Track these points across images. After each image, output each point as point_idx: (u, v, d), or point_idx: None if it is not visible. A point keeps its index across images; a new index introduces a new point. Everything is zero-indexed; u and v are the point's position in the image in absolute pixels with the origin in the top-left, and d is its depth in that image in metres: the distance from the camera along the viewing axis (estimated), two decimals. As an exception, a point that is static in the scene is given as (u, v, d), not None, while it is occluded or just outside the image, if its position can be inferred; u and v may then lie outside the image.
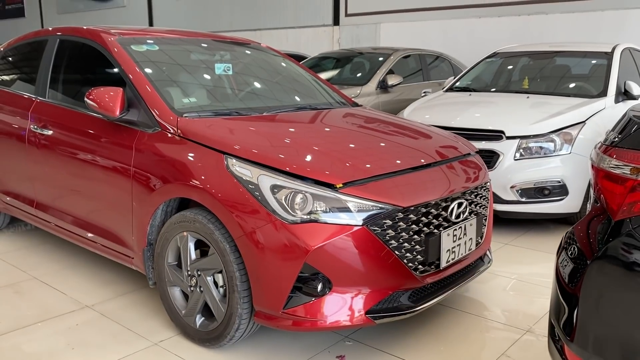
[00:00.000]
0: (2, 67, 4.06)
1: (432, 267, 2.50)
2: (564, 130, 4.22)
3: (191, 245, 2.57)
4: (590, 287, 1.58)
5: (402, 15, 10.43)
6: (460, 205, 2.62)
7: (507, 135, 4.21)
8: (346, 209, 2.26)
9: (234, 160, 2.41)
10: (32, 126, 3.41)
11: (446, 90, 5.75)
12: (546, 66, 5.70)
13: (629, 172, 1.54)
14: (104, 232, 3.03)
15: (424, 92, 7.05)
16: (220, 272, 2.45)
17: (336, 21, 11.41)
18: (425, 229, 2.45)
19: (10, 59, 4.06)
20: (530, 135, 4.19)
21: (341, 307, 2.28)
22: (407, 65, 7.32)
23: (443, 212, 2.54)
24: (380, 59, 6.97)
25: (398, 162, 2.57)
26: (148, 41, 3.29)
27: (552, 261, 3.65)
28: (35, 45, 3.79)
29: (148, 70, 2.98)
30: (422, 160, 2.66)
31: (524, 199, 4.19)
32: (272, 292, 2.28)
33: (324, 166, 2.39)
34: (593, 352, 1.56)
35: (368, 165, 2.46)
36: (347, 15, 11.24)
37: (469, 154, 3.01)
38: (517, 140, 4.19)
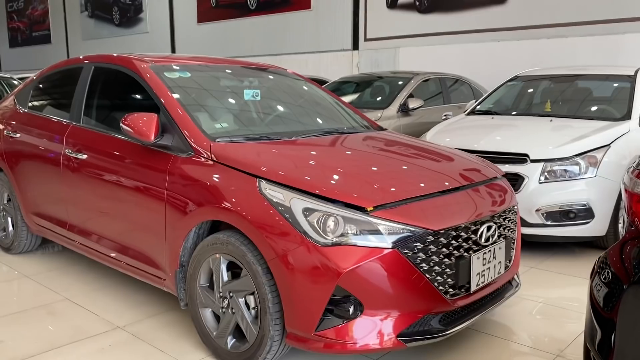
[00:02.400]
0: (37, 94, 4.20)
1: (463, 290, 2.51)
2: (588, 154, 4.22)
3: (223, 267, 2.62)
4: (628, 311, 1.59)
5: (421, 40, 10.54)
6: (489, 228, 2.64)
7: (531, 158, 4.22)
8: (377, 232, 2.29)
9: (266, 184, 2.46)
10: (66, 150, 3.52)
11: (468, 114, 5.78)
12: (568, 89, 5.72)
13: (664, 196, 1.57)
14: (136, 254, 3.09)
15: (445, 115, 7.09)
16: (253, 293, 2.49)
17: (355, 46, 11.56)
18: (455, 252, 2.47)
19: (45, 86, 4.20)
20: (554, 159, 4.20)
21: (372, 329, 2.30)
22: (428, 88, 7.39)
23: (472, 236, 2.56)
24: (401, 82, 7.04)
25: (426, 185, 2.61)
26: (180, 68, 3.39)
27: (579, 285, 3.64)
28: (69, 72, 3.93)
29: (181, 97, 3.07)
30: (450, 184, 2.70)
31: (549, 222, 4.18)
32: (304, 314, 2.31)
33: (355, 189, 2.44)
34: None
35: (397, 189, 2.50)
36: (366, 40, 11.39)
37: (495, 177, 3.04)
38: (541, 164, 4.20)
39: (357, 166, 2.78)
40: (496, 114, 5.55)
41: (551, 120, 4.90)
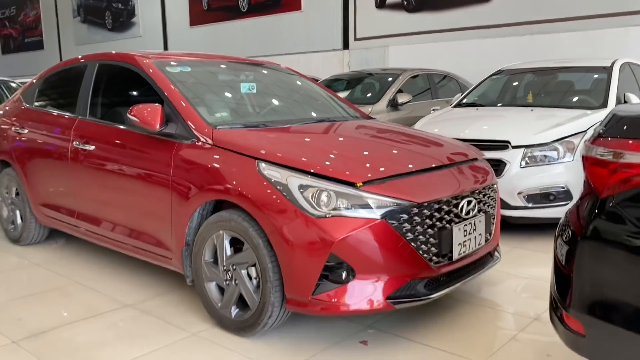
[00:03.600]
0: (43, 92, 4.42)
1: (446, 258, 2.75)
2: (566, 139, 4.48)
3: (227, 243, 2.84)
4: (582, 258, 1.83)
5: (410, 38, 10.81)
6: (469, 203, 2.89)
7: (513, 144, 4.48)
8: (366, 205, 2.53)
9: (265, 164, 2.70)
10: (74, 143, 3.74)
11: (454, 106, 6.04)
12: (550, 81, 5.99)
13: (612, 157, 1.81)
14: (143, 236, 3.31)
15: (433, 109, 7.35)
16: (254, 265, 2.72)
17: (346, 45, 11.82)
18: (438, 223, 2.71)
19: (50, 84, 4.41)
20: (534, 145, 4.46)
21: (364, 293, 2.54)
22: (416, 84, 7.64)
23: (454, 209, 2.80)
24: (390, 79, 7.29)
25: (412, 164, 2.85)
26: (180, 63, 3.62)
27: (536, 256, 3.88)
28: (74, 70, 4.15)
29: (183, 89, 3.30)
30: (434, 163, 2.94)
31: (530, 205, 4.44)
32: (302, 280, 2.54)
33: (345, 167, 2.68)
34: (587, 314, 1.81)
35: (384, 167, 2.74)
36: (356, 39, 11.65)
37: (476, 159, 3.28)
38: (522, 149, 4.46)
39: (348, 148, 3.03)
40: (481, 105, 5.81)
41: (532, 110, 5.17)
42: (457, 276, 2.88)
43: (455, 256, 2.79)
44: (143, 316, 3.13)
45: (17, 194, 4.53)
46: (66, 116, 3.95)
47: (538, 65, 6.22)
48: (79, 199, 3.79)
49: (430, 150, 3.20)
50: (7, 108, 4.75)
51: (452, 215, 2.79)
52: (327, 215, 2.50)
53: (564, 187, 4.40)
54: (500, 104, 5.77)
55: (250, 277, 2.77)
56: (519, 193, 4.42)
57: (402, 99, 6.82)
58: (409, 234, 2.58)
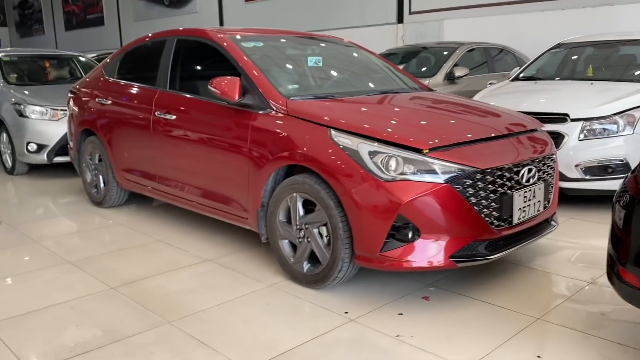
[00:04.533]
0: (124, 65, 4.78)
1: (506, 222, 2.93)
2: (627, 113, 4.51)
3: (299, 204, 3.11)
4: (639, 218, 1.99)
5: (466, 12, 10.72)
6: (529, 171, 3.04)
7: (571, 117, 4.54)
8: (432, 170, 2.73)
9: (336, 132, 2.93)
10: (156, 113, 4.07)
11: (512, 80, 6.08)
12: (611, 55, 5.93)
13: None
14: (221, 198, 3.62)
15: (490, 83, 7.38)
16: (325, 224, 2.98)
17: (400, 19, 11.82)
18: (499, 189, 2.88)
19: (130, 58, 4.76)
20: (593, 118, 4.51)
21: (428, 251, 2.75)
22: (472, 58, 7.66)
23: (515, 176, 2.97)
24: (446, 52, 7.35)
25: (474, 133, 3.02)
26: (253, 38, 3.88)
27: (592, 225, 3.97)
28: (153, 45, 4.47)
29: (258, 62, 3.55)
30: (494, 133, 3.10)
31: (587, 177, 4.51)
32: (371, 238, 2.78)
33: (411, 135, 2.87)
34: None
35: (449, 135, 2.92)
36: (410, 13, 11.63)
37: (535, 129, 3.41)
38: (581, 122, 4.52)
39: (412, 117, 3.22)
40: (539, 79, 5.83)
41: (592, 84, 5.17)
42: (516, 239, 3.05)
43: (515, 220, 2.97)
44: (222, 269, 3.46)
45: (99, 160, 4.94)
46: (147, 88, 4.28)
47: (599, 39, 6.15)
48: (159, 164, 4.14)
49: (491, 120, 3.35)
50: (88, 81, 5.15)
51: (513, 182, 2.95)
52: (396, 179, 2.71)
53: (622, 160, 4.45)
54: (558, 78, 5.78)
55: (321, 235, 3.03)
56: (576, 165, 4.49)
57: (459, 72, 6.89)
58: (472, 198, 2.77)
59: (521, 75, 6.11)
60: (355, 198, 2.78)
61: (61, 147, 6.17)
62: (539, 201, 3.14)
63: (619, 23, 8.59)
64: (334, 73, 4.14)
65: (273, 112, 3.27)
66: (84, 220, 4.67)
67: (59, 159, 6.26)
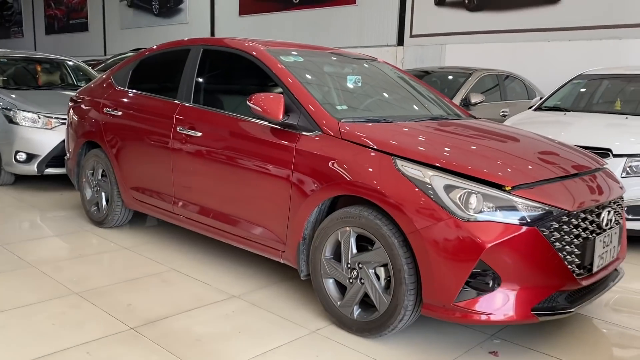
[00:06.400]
0: (138, 74, 4.36)
1: (585, 270, 2.62)
2: (670, 150, 4.30)
3: (352, 240, 2.75)
4: None
5: (469, 37, 10.60)
6: (609, 213, 2.75)
7: (614, 153, 4.31)
8: (517, 210, 2.41)
9: (403, 161, 2.59)
10: (178, 128, 3.67)
11: (535, 109, 5.86)
12: (636, 88, 5.77)
13: None
14: (253, 227, 3.24)
15: (502, 112, 7.19)
16: (384, 265, 2.63)
17: (400, 41, 11.65)
18: (583, 233, 2.58)
19: (146, 66, 4.36)
20: (637, 154, 4.28)
21: (508, 302, 2.42)
22: (485, 84, 7.47)
23: (596, 219, 2.67)
24: (461, 78, 7.13)
25: (552, 169, 2.72)
26: (292, 53, 3.54)
27: None
28: (173, 54, 4.09)
29: (302, 79, 3.21)
30: (571, 170, 2.81)
31: (630, 216, 4.26)
32: (445, 285, 2.43)
33: (492, 169, 2.56)
34: None
35: (530, 171, 2.62)
36: (412, 36, 11.47)
37: (603, 166, 3.14)
38: (624, 159, 4.29)
39: (482, 148, 2.90)
40: (564, 110, 5.62)
41: (627, 118, 4.98)
42: (592, 289, 2.75)
43: (595, 268, 2.66)
44: (254, 309, 3.06)
45: (103, 175, 4.50)
46: (168, 100, 3.89)
47: (621, 72, 6.00)
48: (178, 185, 3.73)
49: (563, 155, 3.05)
50: (93, 89, 4.73)
51: (594, 225, 2.66)
52: (478, 220, 2.38)
53: (665, 200, 4.22)
54: (586, 110, 5.58)
55: (378, 277, 2.67)
56: (619, 204, 4.24)
57: (475, 99, 6.65)
58: (557, 243, 2.46)
59: (544, 105, 5.90)
60: (429, 238, 2.43)
61: (54, 158, 5.69)
62: (614, 246, 2.85)
63: (628, 57, 8.53)
64: (376, 94, 3.81)
65: (321, 134, 2.92)
66: (83, 242, 4.21)
67: (50, 171, 5.77)
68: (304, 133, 2.99)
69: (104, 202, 4.50)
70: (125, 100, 4.27)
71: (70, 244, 4.19)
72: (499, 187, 2.46)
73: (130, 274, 3.53)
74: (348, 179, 2.72)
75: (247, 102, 3.06)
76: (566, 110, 5.62)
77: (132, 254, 3.96)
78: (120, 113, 4.24)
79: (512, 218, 2.40)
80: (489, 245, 2.35)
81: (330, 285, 2.88)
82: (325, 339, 2.74)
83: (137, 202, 4.18)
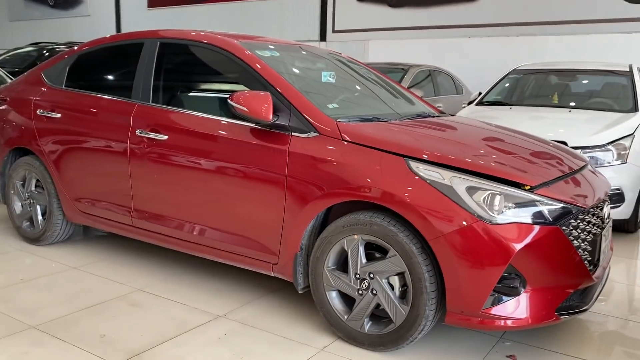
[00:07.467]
0: (77, 71, 3.86)
1: (593, 266, 2.62)
2: (618, 141, 4.51)
3: (361, 249, 2.56)
4: None
5: (391, 34, 10.73)
6: (607, 207, 2.77)
7: (570, 146, 4.43)
8: (540, 210, 2.34)
9: (418, 163, 2.44)
10: (137, 131, 3.27)
11: (477, 104, 5.97)
12: (569, 83, 6.05)
13: None
14: (238, 239, 2.94)
15: (438, 107, 7.29)
16: (399, 274, 2.46)
17: (323, 37, 11.56)
18: (592, 229, 2.57)
19: (87, 62, 3.86)
20: (590, 146, 4.45)
21: (535, 305, 2.35)
22: (418, 80, 7.54)
23: (600, 213, 2.67)
24: (399, 74, 7.14)
25: (560, 166, 2.69)
26: (270, 47, 3.26)
27: (621, 262, 3.88)
28: (123, 48, 3.66)
29: (288, 76, 2.96)
30: (575, 167, 2.80)
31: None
32: (473, 292, 2.30)
33: (512, 168, 2.47)
34: None
35: (546, 168, 2.56)
36: (334, 31, 11.42)
37: (588, 163, 3.18)
38: (578, 152, 4.42)
39: (489, 147, 2.80)
40: (506, 104, 5.77)
41: (570, 112, 5.18)
42: (596, 284, 2.75)
43: (600, 263, 2.67)
44: (247, 329, 2.78)
45: (37, 186, 3.96)
46: (121, 100, 3.45)
47: (554, 67, 6.27)
48: (139, 194, 3.33)
49: (560, 151, 3.03)
50: (18, 88, 4.15)
51: (599, 220, 2.66)
52: (505, 222, 2.28)
53: (618, 190, 4.42)
54: (528, 104, 5.75)
55: (392, 286, 2.50)
56: (576, 195, 4.38)
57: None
58: (575, 242, 2.42)
59: (485, 100, 6.02)
60: (455, 243, 2.29)
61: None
62: (609, 241, 2.88)
63: (541, 53, 8.99)
64: (353, 91, 3.62)
65: (317, 135, 2.69)
66: (19, 264, 3.67)
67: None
68: (296, 134, 2.74)
69: (40, 217, 3.96)
70: (65, 100, 3.76)
71: (3, 267, 3.63)
72: (519, 186, 2.37)
73: (91, 299, 3.10)
74: (354, 183, 2.52)
75: (229, 102, 2.75)
76: (508, 104, 5.77)
77: (84, 274, 3.49)
78: (59, 115, 3.73)
79: (537, 218, 2.32)
80: (519, 247, 2.26)
81: (334, 298, 2.67)
82: (336, 357, 2.52)
83: (83, 215, 3.71)
